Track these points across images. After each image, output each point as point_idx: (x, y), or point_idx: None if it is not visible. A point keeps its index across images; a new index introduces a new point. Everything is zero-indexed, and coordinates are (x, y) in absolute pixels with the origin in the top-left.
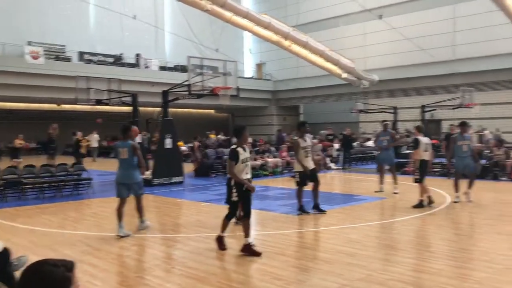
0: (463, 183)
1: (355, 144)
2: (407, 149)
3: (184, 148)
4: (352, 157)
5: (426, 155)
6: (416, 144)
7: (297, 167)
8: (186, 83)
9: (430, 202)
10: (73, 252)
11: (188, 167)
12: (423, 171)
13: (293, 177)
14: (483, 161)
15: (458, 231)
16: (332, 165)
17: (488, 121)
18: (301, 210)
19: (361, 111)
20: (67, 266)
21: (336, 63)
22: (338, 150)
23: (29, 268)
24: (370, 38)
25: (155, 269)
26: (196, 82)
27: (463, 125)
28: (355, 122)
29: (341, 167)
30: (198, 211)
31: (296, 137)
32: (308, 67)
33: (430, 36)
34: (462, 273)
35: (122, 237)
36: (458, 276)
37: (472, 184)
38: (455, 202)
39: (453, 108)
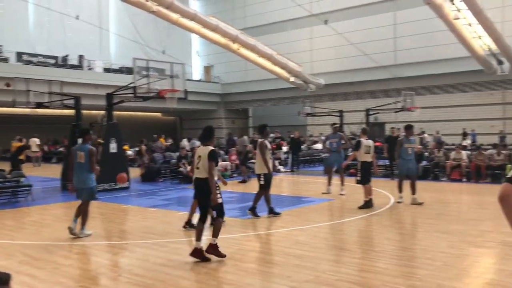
0: (406, 185)
1: (303, 147)
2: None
3: (130, 152)
4: (300, 159)
5: (368, 157)
6: (357, 146)
7: (261, 170)
8: (132, 85)
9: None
10: (10, 263)
11: (135, 172)
12: (364, 172)
13: (258, 179)
14: (424, 163)
15: (401, 230)
16: (281, 168)
17: (428, 124)
18: (253, 212)
19: (308, 114)
20: (2, 279)
21: (283, 66)
22: (286, 153)
23: None
24: (316, 43)
25: (100, 277)
26: (142, 85)
27: (409, 128)
28: (303, 125)
29: (289, 170)
30: (144, 217)
31: (261, 139)
32: (256, 70)
33: (373, 42)
34: (405, 271)
35: (82, 237)
36: (402, 274)
37: (415, 187)
38: (398, 202)
39: (396, 112)
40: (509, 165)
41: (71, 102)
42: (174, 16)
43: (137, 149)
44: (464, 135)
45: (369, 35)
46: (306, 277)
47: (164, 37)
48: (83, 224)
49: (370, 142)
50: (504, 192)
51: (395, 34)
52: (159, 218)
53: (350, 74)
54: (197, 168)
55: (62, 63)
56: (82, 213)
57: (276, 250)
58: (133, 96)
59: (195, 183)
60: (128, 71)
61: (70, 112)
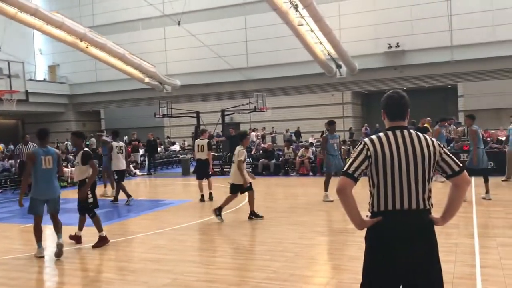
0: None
1: (159, 148)
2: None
3: None
4: (157, 162)
5: (202, 155)
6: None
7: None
8: None
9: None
10: None
11: None
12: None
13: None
14: (274, 160)
15: (257, 225)
16: (137, 171)
17: (279, 123)
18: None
19: (164, 115)
20: None
21: (137, 67)
22: (142, 155)
23: None
24: (170, 44)
25: None
26: None
27: (331, 124)
28: (160, 126)
29: (146, 173)
30: None
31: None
32: (108, 70)
33: (227, 44)
34: (261, 265)
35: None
36: (258, 268)
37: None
38: (329, 201)
39: (249, 112)
40: (347, 159)
41: None
42: (12, 10)
43: None
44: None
45: (223, 37)
46: (163, 281)
47: (1, 32)
48: (60, 233)
49: (204, 142)
50: (341, 185)
51: (247, 37)
52: None
53: (206, 76)
54: None
55: None
56: (57, 226)
57: (132, 256)
58: None
59: None
60: None
61: None
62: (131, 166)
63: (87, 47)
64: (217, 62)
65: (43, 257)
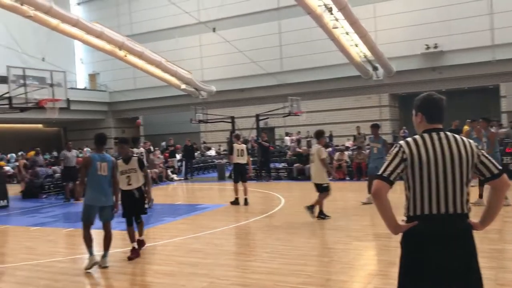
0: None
1: (196, 154)
2: None
3: (7, 168)
4: (194, 167)
5: (241, 159)
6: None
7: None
8: (7, 95)
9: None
10: None
11: (14, 189)
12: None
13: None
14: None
15: (292, 230)
16: (174, 176)
17: (314, 127)
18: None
19: (200, 121)
20: None
21: (173, 74)
22: (179, 160)
23: None
24: (206, 50)
25: None
26: (18, 94)
27: (375, 127)
28: (196, 132)
29: (183, 178)
30: (26, 237)
31: None
32: (145, 77)
33: (261, 49)
34: (295, 270)
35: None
36: (292, 273)
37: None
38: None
39: (284, 116)
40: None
41: None
42: (54, 21)
43: (16, 164)
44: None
45: (257, 43)
46: (200, 285)
47: (44, 43)
48: (108, 249)
49: (243, 146)
50: (376, 188)
51: (281, 42)
52: (42, 237)
53: (240, 81)
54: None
55: None
56: (107, 239)
57: (170, 260)
58: (8, 107)
59: None
60: (2, 80)
61: None
62: (168, 171)
63: (125, 56)
64: (252, 67)
65: (96, 263)
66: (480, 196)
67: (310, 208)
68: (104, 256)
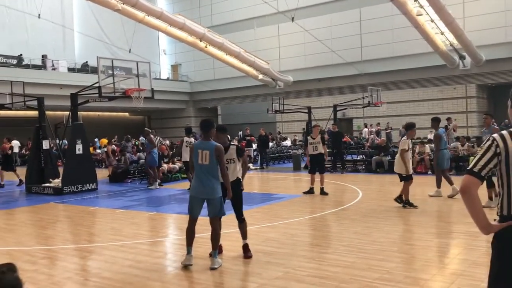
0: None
1: (271, 143)
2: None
3: (99, 151)
4: (269, 156)
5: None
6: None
7: None
8: (97, 85)
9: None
10: None
11: (103, 173)
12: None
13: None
14: (389, 157)
15: (369, 224)
16: (250, 165)
17: (394, 118)
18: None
19: (277, 111)
20: (13, 269)
21: (251, 64)
22: (255, 150)
23: None
24: (283, 40)
25: (67, 282)
26: (107, 84)
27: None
28: (272, 122)
29: (259, 167)
30: (113, 219)
31: None
32: (224, 68)
33: (340, 38)
34: (373, 265)
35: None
36: (370, 267)
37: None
38: (449, 196)
39: (363, 107)
40: (472, 157)
41: (34, 103)
42: (140, 14)
43: (104, 149)
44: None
45: (336, 31)
46: (276, 274)
47: (130, 35)
48: (216, 248)
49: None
50: (465, 184)
51: (361, 30)
52: (127, 220)
53: (318, 71)
54: None
55: (20, 63)
56: (215, 237)
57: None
58: (98, 96)
59: None
60: (93, 70)
61: (34, 113)
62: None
63: (206, 47)
64: (330, 57)
65: (190, 265)
66: (490, 198)
67: (399, 199)
68: (210, 255)
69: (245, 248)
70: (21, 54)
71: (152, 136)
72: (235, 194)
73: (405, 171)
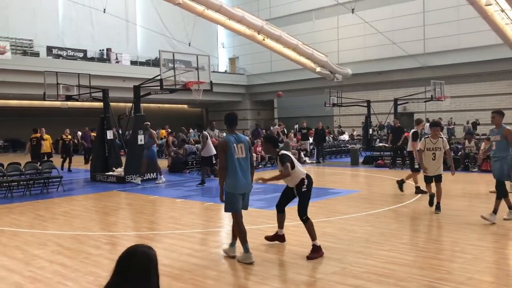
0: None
1: (328, 138)
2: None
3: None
4: (325, 151)
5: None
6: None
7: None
8: (158, 78)
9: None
10: (43, 252)
11: (162, 163)
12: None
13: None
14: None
15: (430, 222)
16: (307, 159)
17: (459, 113)
18: None
19: (334, 104)
20: (150, 248)
21: (309, 57)
22: (311, 144)
23: (131, 255)
24: (343, 32)
25: None
26: (168, 77)
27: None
28: (330, 115)
29: (315, 161)
30: (172, 208)
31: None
32: (281, 61)
33: (401, 30)
34: (434, 264)
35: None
36: (430, 267)
37: None
38: None
39: (425, 101)
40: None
41: (99, 94)
42: (200, 8)
43: (164, 140)
44: None
45: (397, 23)
46: (332, 269)
47: (190, 29)
48: (240, 240)
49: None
50: None
51: (424, 22)
52: (185, 209)
53: (378, 64)
54: None
55: (93, 56)
56: (240, 230)
57: (302, 241)
58: (159, 88)
59: None
60: (154, 63)
61: (99, 104)
62: (301, 153)
63: (263, 40)
64: (391, 49)
65: (251, 263)
66: (510, 207)
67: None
68: (244, 248)
69: (312, 248)
70: (85, 50)
71: (152, 131)
72: (299, 194)
73: (423, 168)
